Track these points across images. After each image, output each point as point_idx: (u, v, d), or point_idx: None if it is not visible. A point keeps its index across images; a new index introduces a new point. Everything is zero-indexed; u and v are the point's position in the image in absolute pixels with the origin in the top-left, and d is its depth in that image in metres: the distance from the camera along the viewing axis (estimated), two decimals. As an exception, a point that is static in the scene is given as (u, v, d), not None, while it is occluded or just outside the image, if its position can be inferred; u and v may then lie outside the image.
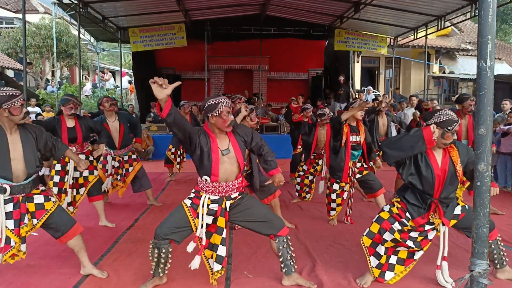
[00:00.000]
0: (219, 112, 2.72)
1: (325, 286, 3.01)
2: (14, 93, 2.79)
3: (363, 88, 14.33)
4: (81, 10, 8.40)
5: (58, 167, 4.32)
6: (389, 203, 3.05)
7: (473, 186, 2.39)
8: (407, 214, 2.92)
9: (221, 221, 2.85)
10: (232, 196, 2.90)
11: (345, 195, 4.49)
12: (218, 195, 2.86)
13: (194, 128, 2.81)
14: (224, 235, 2.85)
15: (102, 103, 4.98)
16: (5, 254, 2.84)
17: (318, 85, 13.15)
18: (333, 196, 4.48)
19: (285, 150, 9.57)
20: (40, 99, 12.86)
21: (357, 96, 11.90)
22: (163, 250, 2.85)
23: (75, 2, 8.23)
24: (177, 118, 2.60)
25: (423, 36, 10.62)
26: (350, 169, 4.40)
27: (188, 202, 2.90)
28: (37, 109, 11.04)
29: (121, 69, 14.09)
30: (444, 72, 16.70)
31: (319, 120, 5.36)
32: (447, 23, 10.11)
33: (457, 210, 2.99)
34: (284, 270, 3.00)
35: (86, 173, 4.40)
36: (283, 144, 10.08)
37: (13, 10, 18.58)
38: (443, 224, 2.93)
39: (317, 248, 3.80)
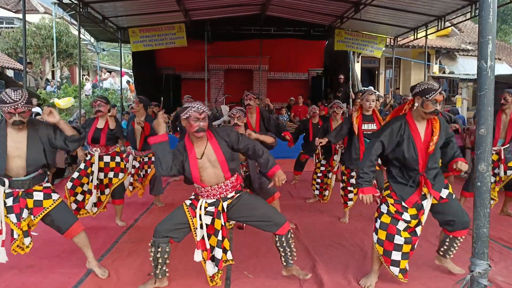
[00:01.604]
0: (187, 116, 2.74)
1: (325, 286, 3.01)
2: (5, 99, 2.75)
3: (363, 88, 14.31)
4: (81, 10, 8.40)
5: (82, 165, 4.35)
6: (383, 201, 3.01)
7: (474, 186, 2.38)
8: (403, 204, 2.88)
9: (218, 223, 2.86)
10: (229, 196, 2.91)
11: None
12: (213, 198, 2.88)
13: (173, 153, 2.82)
14: (220, 237, 2.85)
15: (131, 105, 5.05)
16: (11, 245, 2.94)
17: (318, 85, 13.14)
18: (351, 188, 4.55)
19: (286, 150, 9.55)
20: (41, 99, 12.85)
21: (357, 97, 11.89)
22: (160, 249, 2.84)
23: (75, 2, 8.22)
24: (169, 167, 2.76)
25: (423, 36, 10.62)
26: None
27: (188, 202, 2.94)
28: (38, 109, 11.03)
29: (121, 69, 14.07)
30: (444, 72, 16.69)
31: (332, 113, 5.37)
32: (447, 23, 10.10)
33: (444, 193, 2.97)
34: (282, 262, 3.03)
35: (111, 174, 4.42)
36: (284, 144, 10.08)
37: (13, 10, 18.55)
38: (430, 195, 2.92)
39: (317, 248, 3.80)
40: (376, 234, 2.99)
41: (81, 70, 10.89)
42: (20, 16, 8.96)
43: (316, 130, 6.22)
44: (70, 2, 8.37)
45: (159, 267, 2.89)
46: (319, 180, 5.56)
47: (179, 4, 9.14)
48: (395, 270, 2.94)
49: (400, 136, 2.86)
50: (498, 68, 12.62)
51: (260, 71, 12.32)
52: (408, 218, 2.89)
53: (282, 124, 5.31)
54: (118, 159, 4.52)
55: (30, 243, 3.04)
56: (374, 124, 4.42)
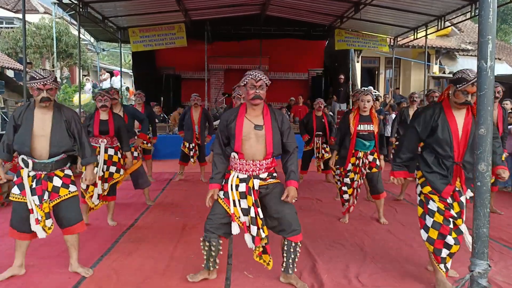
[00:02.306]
0: (244, 83, 2.85)
1: (325, 285, 3.01)
2: (35, 76, 2.94)
3: (363, 88, 14.33)
4: (81, 10, 8.39)
5: None
6: (428, 197, 2.88)
7: (474, 186, 2.38)
8: (448, 200, 2.80)
9: (249, 200, 2.84)
10: (261, 176, 2.89)
11: (355, 184, 4.56)
12: (245, 174, 2.87)
13: (225, 121, 2.94)
14: (252, 214, 2.84)
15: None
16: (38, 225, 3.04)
17: (318, 85, 13.15)
18: (344, 188, 4.57)
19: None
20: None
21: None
22: (214, 243, 2.92)
23: (75, 2, 8.22)
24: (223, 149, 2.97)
25: (423, 36, 10.61)
26: (361, 160, 4.45)
27: (221, 194, 2.94)
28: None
29: (121, 69, 14.04)
30: (444, 72, 16.68)
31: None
32: (447, 23, 10.10)
33: (469, 193, 2.89)
34: (283, 268, 3.03)
35: (113, 169, 4.43)
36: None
37: (13, 10, 18.56)
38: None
39: (317, 247, 3.79)
40: (427, 232, 2.89)
41: (81, 70, 10.88)
42: (20, 16, 8.96)
43: (319, 123, 6.37)
44: (70, 2, 8.36)
45: (211, 259, 2.97)
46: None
47: (179, 4, 9.14)
48: (444, 267, 2.86)
49: (434, 121, 2.80)
50: (498, 68, 12.59)
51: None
52: (456, 215, 2.81)
53: None
54: (119, 154, 4.53)
55: (51, 225, 3.10)
56: (371, 125, 4.42)
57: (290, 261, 2.97)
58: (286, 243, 2.95)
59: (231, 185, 2.87)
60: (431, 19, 9.53)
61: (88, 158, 3.20)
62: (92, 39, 13.95)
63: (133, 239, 4.05)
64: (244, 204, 2.87)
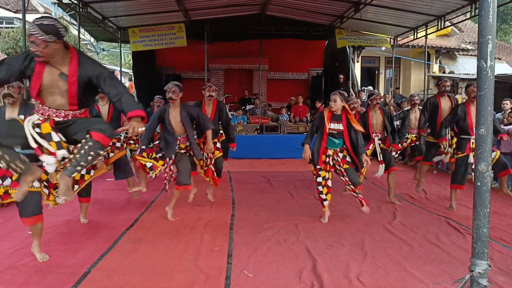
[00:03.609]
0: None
1: (325, 285, 3.01)
2: None
3: (363, 88, 14.34)
4: (81, 10, 8.39)
5: None
6: None
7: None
8: None
9: (45, 127, 2.59)
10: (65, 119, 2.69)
11: (329, 183, 4.59)
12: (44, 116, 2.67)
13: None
14: (56, 139, 2.61)
15: None
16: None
17: (318, 85, 13.15)
18: (320, 187, 4.59)
19: (289, 150, 9.56)
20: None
21: (358, 95, 11.91)
22: (8, 154, 2.53)
23: (75, 2, 8.22)
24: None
25: (423, 36, 10.62)
26: (330, 157, 4.56)
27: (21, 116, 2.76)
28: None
29: (120, 69, 14.04)
30: (444, 72, 16.68)
31: (370, 102, 5.67)
32: (447, 23, 10.10)
33: None
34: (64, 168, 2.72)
35: (83, 171, 4.37)
36: (284, 144, 10.08)
37: (13, 10, 18.56)
38: None
39: (317, 247, 3.80)
40: None
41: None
42: (20, 16, 8.96)
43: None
44: (70, 2, 8.36)
45: (19, 165, 2.57)
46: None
47: (178, 4, 9.14)
48: None
49: None
50: (498, 68, 12.61)
51: (260, 71, 12.31)
52: None
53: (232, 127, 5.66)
54: None
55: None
56: (341, 124, 4.54)
57: (78, 159, 2.59)
58: (86, 138, 2.62)
59: (30, 118, 2.63)
60: (431, 19, 9.53)
61: None
62: (92, 39, 13.95)
63: (133, 239, 4.04)
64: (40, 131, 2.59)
